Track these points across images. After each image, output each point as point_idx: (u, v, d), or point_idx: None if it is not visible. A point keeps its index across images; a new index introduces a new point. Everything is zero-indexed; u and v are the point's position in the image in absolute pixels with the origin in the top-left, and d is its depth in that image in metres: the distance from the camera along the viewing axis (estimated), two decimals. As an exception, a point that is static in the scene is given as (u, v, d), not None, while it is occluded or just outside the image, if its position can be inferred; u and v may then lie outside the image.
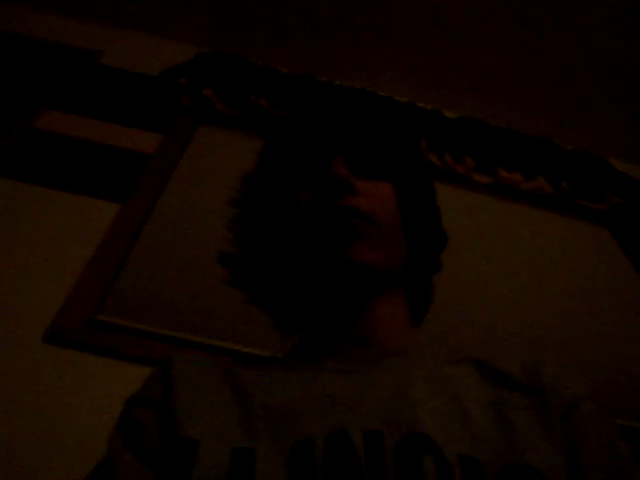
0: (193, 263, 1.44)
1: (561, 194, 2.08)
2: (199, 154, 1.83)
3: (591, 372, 1.48)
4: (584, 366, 1.50)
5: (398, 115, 0.84)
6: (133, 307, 1.31)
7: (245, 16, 2.22)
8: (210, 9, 2.22)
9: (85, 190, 1.55)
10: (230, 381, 0.58)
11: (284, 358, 0.67)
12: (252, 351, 1.27)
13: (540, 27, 2.14)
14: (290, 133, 0.73)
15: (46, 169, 1.59)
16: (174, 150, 1.79)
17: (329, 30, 2.23)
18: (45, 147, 1.66)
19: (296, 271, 0.67)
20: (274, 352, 0.72)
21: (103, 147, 1.71)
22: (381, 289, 0.64)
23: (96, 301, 1.29)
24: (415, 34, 2.20)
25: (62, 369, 1.16)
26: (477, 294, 1.63)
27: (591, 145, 2.29)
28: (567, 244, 1.97)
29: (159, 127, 1.86)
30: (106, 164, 1.66)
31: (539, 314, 1.64)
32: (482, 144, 2.08)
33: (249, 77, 2.00)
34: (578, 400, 0.54)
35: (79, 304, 1.27)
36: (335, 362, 0.59)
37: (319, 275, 0.62)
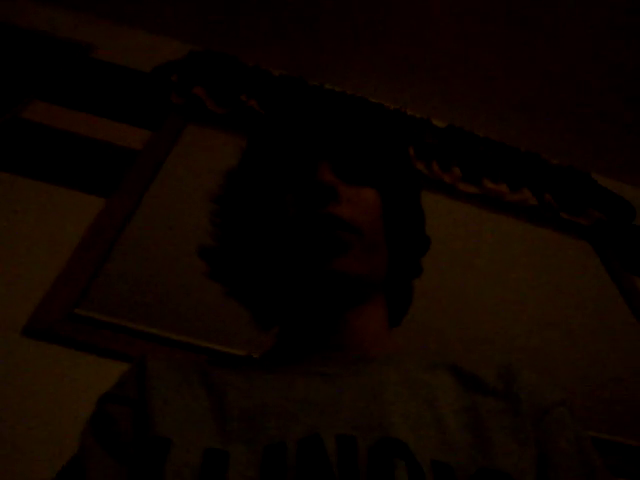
0: (176, 260, 1.43)
1: (545, 207, 2.10)
2: (187, 152, 1.82)
3: (568, 382, 1.50)
4: (561, 376, 1.52)
5: (386, 121, 0.83)
6: (114, 302, 1.31)
7: (239, 16, 2.22)
8: (204, 8, 2.22)
9: (70, 183, 1.54)
10: (205, 381, 0.58)
11: (261, 358, 0.67)
12: (232, 350, 1.26)
13: (530, 41, 2.16)
14: (276, 133, 0.72)
15: (31, 160, 1.57)
16: (162, 147, 1.78)
17: (321, 35, 2.24)
18: (31, 138, 1.64)
19: (277, 274, 0.66)
20: (252, 351, 0.72)
21: (90, 141, 1.70)
22: (363, 298, 0.64)
23: (77, 295, 1.28)
24: (407, 42, 2.22)
25: (41, 363, 1.15)
26: (457, 301, 1.64)
27: (576, 160, 2.31)
28: (549, 256, 1.99)
29: (148, 123, 1.85)
30: (93, 158, 1.65)
31: (518, 323, 1.65)
32: (469, 154, 2.10)
33: (240, 77, 2.00)
34: (551, 406, 0.55)
35: (60, 298, 1.26)
36: (312, 365, 0.60)
37: (302, 284, 0.62)
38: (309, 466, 0.46)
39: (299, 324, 0.66)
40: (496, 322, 1.62)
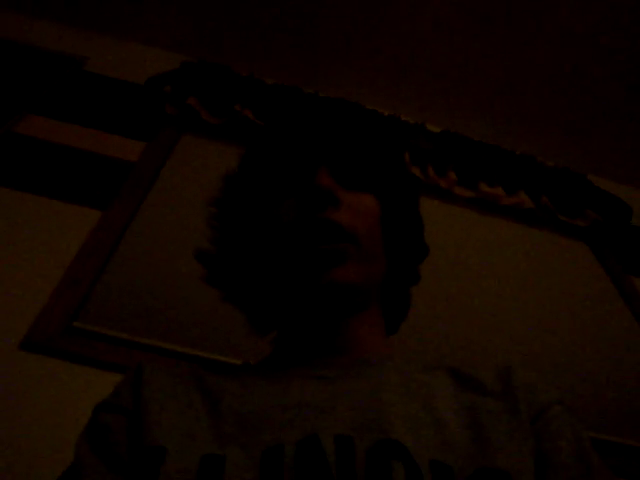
0: (174, 271, 1.43)
1: (542, 209, 2.11)
2: (182, 162, 1.82)
3: (568, 384, 1.50)
4: (561, 377, 1.51)
5: (384, 127, 0.84)
6: (112, 315, 1.30)
7: (231, 27, 2.23)
8: (196, 19, 2.23)
9: (66, 196, 1.54)
10: (201, 387, 0.58)
11: (257, 365, 0.67)
12: (230, 360, 1.26)
13: (524, 45, 2.17)
14: (276, 139, 0.72)
15: (26, 174, 1.57)
16: (157, 158, 1.78)
17: (315, 43, 2.24)
18: (26, 152, 1.64)
19: (275, 280, 0.66)
20: (248, 359, 0.72)
21: (85, 153, 1.70)
22: (360, 306, 0.64)
23: (74, 309, 1.28)
24: (400, 48, 2.23)
25: (40, 377, 1.14)
26: (455, 306, 1.64)
27: (571, 162, 2.32)
28: (547, 258, 1.99)
29: (143, 135, 1.85)
30: (88, 171, 1.65)
31: (517, 327, 1.65)
32: (465, 158, 2.10)
33: (234, 87, 2.00)
34: (548, 404, 0.55)
35: (58, 311, 1.26)
36: (308, 369, 0.60)
37: (300, 293, 0.62)
38: (307, 467, 0.46)
39: (297, 331, 0.66)
40: (495, 325, 1.62)
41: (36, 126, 1.73)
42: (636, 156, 2.45)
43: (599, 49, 2.16)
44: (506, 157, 2.18)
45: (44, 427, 1.06)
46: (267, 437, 0.50)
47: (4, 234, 1.39)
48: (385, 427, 0.50)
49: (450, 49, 2.21)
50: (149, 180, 1.69)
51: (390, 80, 2.30)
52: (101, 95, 1.98)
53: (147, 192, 1.65)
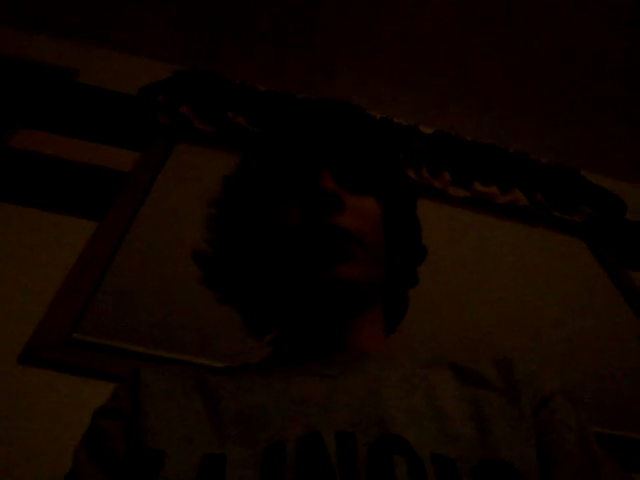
0: (171, 280, 1.43)
1: (536, 206, 2.11)
2: (176, 171, 1.82)
3: (565, 377, 1.50)
4: (561, 372, 1.51)
5: (384, 129, 0.84)
6: (111, 326, 1.30)
7: (222, 35, 2.23)
8: (186, 28, 2.23)
9: (61, 208, 1.54)
10: (200, 387, 0.58)
11: (256, 365, 0.67)
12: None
13: (515, 43, 2.18)
14: (278, 141, 0.72)
15: (21, 188, 1.57)
16: (151, 168, 1.78)
17: (304, 48, 2.25)
18: (20, 165, 1.64)
19: (277, 280, 0.66)
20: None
21: (79, 165, 1.70)
22: (362, 305, 0.64)
23: (73, 320, 1.28)
24: (391, 50, 2.24)
25: (39, 390, 1.13)
26: (453, 305, 1.64)
27: (564, 158, 2.32)
28: (544, 255, 1.99)
29: (136, 145, 1.85)
30: (83, 182, 1.65)
31: (515, 323, 1.65)
32: (458, 158, 2.11)
33: (226, 95, 2.00)
34: (550, 395, 0.55)
35: (56, 323, 1.25)
36: (308, 367, 0.60)
37: (303, 290, 0.62)
38: (309, 464, 0.46)
39: (298, 329, 0.66)
40: (492, 323, 1.62)
41: (29, 139, 1.73)
42: (628, 151, 2.46)
43: (592, 46, 2.17)
44: (499, 155, 2.18)
45: (43, 439, 1.05)
46: (268, 435, 0.50)
47: (1, 247, 1.39)
48: (386, 422, 0.50)
49: (441, 49, 2.22)
50: (144, 189, 1.69)
51: (382, 83, 2.30)
52: (94, 106, 1.98)
53: (142, 201, 1.65)
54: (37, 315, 1.26)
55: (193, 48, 2.27)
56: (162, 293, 1.40)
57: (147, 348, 1.27)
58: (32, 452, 1.04)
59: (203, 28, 2.23)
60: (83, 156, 1.74)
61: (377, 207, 0.67)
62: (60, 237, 1.46)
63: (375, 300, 0.67)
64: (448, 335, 1.53)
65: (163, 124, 1.94)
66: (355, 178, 0.66)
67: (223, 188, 0.78)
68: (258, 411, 0.53)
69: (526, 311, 1.71)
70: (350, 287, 0.59)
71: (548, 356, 1.57)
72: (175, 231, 1.57)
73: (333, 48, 2.25)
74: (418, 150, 2.07)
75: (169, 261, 1.48)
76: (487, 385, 0.57)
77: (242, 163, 0.78)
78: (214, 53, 2.27)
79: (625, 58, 2.19)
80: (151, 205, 1.66)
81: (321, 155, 0.66)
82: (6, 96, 1.87)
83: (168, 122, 1.94)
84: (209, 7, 2.17)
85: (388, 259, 0.68)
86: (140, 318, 1.33)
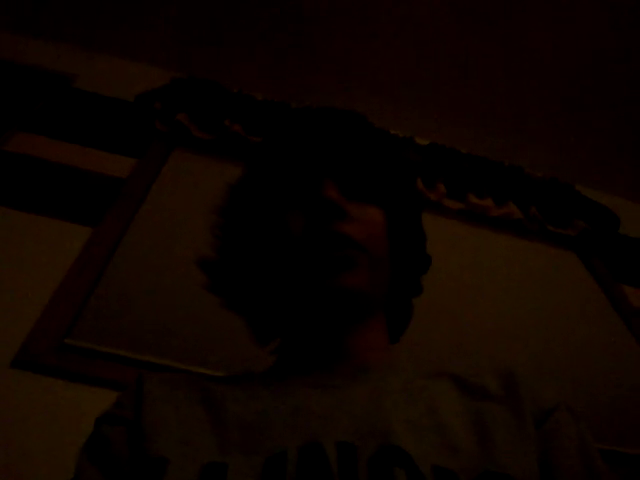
0: (165, 287, 1.43)
1: (531, 220, 2.12)
2: (172, 178, 1.82)
3: (558, 391, 1.50)
4: (554, 385, 1.51)
5: (389, 139, 0.83)
6: (104, 331, 1.29)
7: (220, 42, 2.24)
8: (185, 35, 2.24)
9: (56, 213, 1.54)
10: (203, 396, 0.58)
11: (260, 374, 0.67)
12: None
13: (512, 58, 2.20)
14: (281, 150, 0.72)
15: (17, 192, 1.57)
16: (147, 174, 1.79)
17: (302, 58, 2.26)
18: (16, 169, 1.64)
19: (281, 287, 0.66)
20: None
21: (76, 170, 1.70)
22: (366, 314, 0.64)
23: (66, 325, 1.27)
24: (388, 61, 2.25)
25: (32, 395, 1.13)
26: (447, 317, 1.63)
27: (559, 172, 2.34)
28: (537, 268, 2.00)
29: (133, 151, 1.85)
30: (79, 188, 1.65)
31: (507, 336, 1.65)
32: (453, 171, 2.12)
33: (223, 102, 2.01)
34: (553, 408, 0.55)
35: (49, 328, 1.25)
36: (311, 377, 0.60)
37: (307, 298, 0.62)
38: (310, 474, 0.46)
39: (302, 337, 0.65)
40: (484, 336, 1.62)
41: (26, 144, 1.72)
42: (623, 167, 2.48)
43: (588, 61, 2.19)
44: (494, 168, 2.19)
45: (36, 445, 1.05)
46: (269, 444, 0.50)
47: (-5, 251, 1.39)
48: (387, 433, 0.50)
49: (438, 62, 2.23)
50: (140, 196, 1.69)
51: (378, 94, 2.32)
52: (91, 112, 1.98)
53: (138, 208, 1.65)
54: (31, 320, 1.26)
55: (191, 55, 2.28)
56: (156, 299, 1.40)
57: (140, 354, 1.26)
58: (25, 456, 1.03)
59: (201, 35, 2.24)
60: (79, 161, 1.74)
61: (381, 215, 0.66)
62: (55, 242, 1.46)
63: (378, 309, 0.67)
64: (437, 345, 1.52)
65: (160, 131, 1.94)
66: (358, 187, 0.66)
67: (227, 196, 0.78)
68: (260, 420, 0.53)
69: (519, 324, 1.71)
70: (353, 295, 0.59)
71: (539, 368, 1.57)
72: (170, 237, 1.57)
73: (330, 59, 2.27)
74: (413, 161, 2.08)
75: (164, 267, 1.48)
76: (488, 396, 0.56)
77: (246, 171, 0.78)
78: (212, 61, 2.28)
79: (622, 74, 2.21)
80: (147, 211, 1.66)
81: (324, 164, 0.66)
82: (4, 100, 1.87)
83: (165, 129, 1.95)
84: (208, 15, 2.18)
85: (392, 268, 0.68)
86: (134, 324, 1.33)
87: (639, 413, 1.53)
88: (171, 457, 0.49)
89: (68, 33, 2.23)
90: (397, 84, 2.30)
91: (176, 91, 2.00)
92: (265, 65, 2.29)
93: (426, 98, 2.34)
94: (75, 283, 1.37)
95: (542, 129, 2.40)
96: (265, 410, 0.54)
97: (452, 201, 2.09)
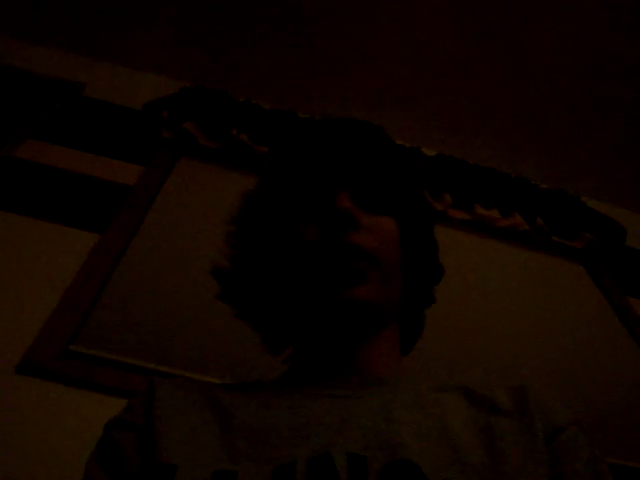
0: (171, 294, 1.43)
1: (537, 231, 2.12)
2: (179, 186, 1.83)
3: (565, 403, 1.49)
4: (558, 397, 1.51)
5: (401, 150, 0.83)
6: (109, 338, 1.29)
7: (228, 52, 2.25)
8: (193, 45, 2.26)
9: (64, 220, 1.54)
10: (213, 404, 0.58)
11: (271, 383, 0.67)
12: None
13: (519, 68, 2.20)
14: (295, 160, 0.72)
15: (25, 198, 1.58)
16: (154, 182, 1.79)
17: (308, 67, 2.27)
18: (25, 176, 1.65)
19: (293, 299, 0.66)
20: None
21: (84, 177, 1.71)
22: (378, 326, 0.64)
23: (72, 332, 1.27)
24: (395, 71, 2.26)
25: (36, 401, 1.13)
26: (452, 328, 1.62)
27: (565, 184, 2.33)
28: (543, 279, 1.99)
29: (140, 159, 1.86)
30: (86, 195, 1.66)
31: (512, 348, 1.64)
32: (460, 181, 2.12)
33: (231, 112, 2.02)
34: (564, 425, 0.55)
35: (54, 335, 1.25)
36: (322, 387, 0.60)
37: (319, 310, 0.62)
38: None
39: (313, 348, 0.65)
40: (491, 347, 1.62)
41: (35, 150, 1.74)
42: (629, 178, 2.47)
43: (595, 72, 2.19)
44: (501, 180, 2.19)
45: (40, 451, 1.05)
46: (279, 454, 0.50)
47: (2, 257, 1.39)
48: (398, 446, 0.49)
49: (444, 72, 2.24)
50: (146, 203, 1.70)
51: (385, 104, 2.32)
52: (99, 120, 2.00)
53: (144, 215, 1.66)
54: (36, 325, 1.26)
55: (199, 65, 2.30)
56: (161, 307, 1.40)
57: (145, 362, 1.26)
58: (29, 462, 1.03)
59: (209, 45, 2.25)
60: (87, 168, 1.75)
61: (394, 226, 0.66)
62: (62, 249, 1.46)
63: (391, 320, 0.67)
64: (441, 355, 1.51)
65: (167, 139, 1.95)
66: (372, 198, 0.66)
67: (242, 205, 0.78)
68: (270, 429, 0.53)
69: (524, 335, 1.70)
70: (366, 308, 0.59)
71: (545, 379, 1.56)
72: (176, 245, 1.58)
73: (336, 69, 2.28)
74: (423, 172, 2.08)
75: (169, 275, 1.48)
76: (500, 411, 0.56)
77: (261, 181, 0.78)
78: (219, 70, 2.29)
79: (631, 85, 2.21)
80: (153, 219, 1.66)
81: (338, 174, 0.66)
82: (14, 108, 1.89)
83: (172, 137, 1.96)
84: (216, 25, 2.20)
85: (405, 278, 0.68)
86: (138, 331, 1.33)
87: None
88: (180, 464, 0.49)
89: (78, 42, 2.25)
90: (404, 95, 2.31)
91: (183, 100, 2.01)
92: (271, 74, 2.30)
93: (432, 109, 2.34)
94: (81, 289, 1.37)
95: (548, 141, 2.40)
96: (275, 419, 0.54)
97: (458, 211, 2.09)
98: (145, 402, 0.59)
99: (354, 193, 0.65)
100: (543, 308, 1.84)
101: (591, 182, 2.45)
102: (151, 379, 0.62)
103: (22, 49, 2.17)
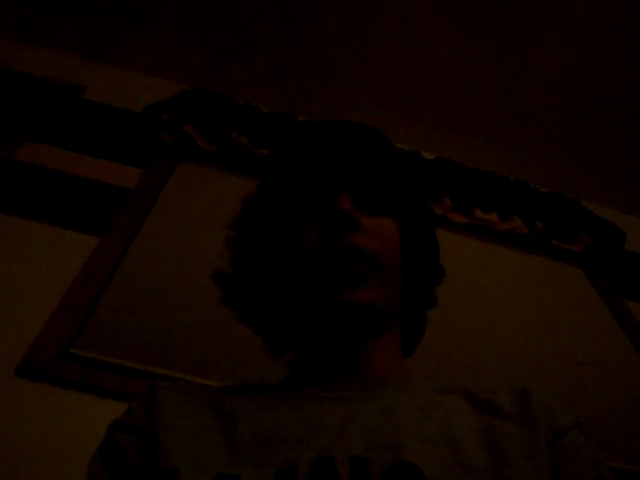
0: (171, 297, 1.43)
1: (536, 235, 2.12)
2: (179, 189, 1.83)
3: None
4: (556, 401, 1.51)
5: (401, 151, 0.83)
6: (108, 341, 1.29)
7: (228, 55, 2.26)
8: (193, 47, 2.26)
9: (64, 222, 1.54)
10: (216, 407, 0.58)
11: (273, 385, 0.67)
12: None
13: (518, 72, 2.20)
14: (295, 163, 0.72)
15: (25, 200, 1.58)
16: (154, 184, 1.79)
17: (309, 71, 2.28)
18: (25, 179, 1.65)
19: (295, 302, 0.66)
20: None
21: (83, 180, 1.71)
22: (379, 328, 0.64)
23: (71, 335, 1.27)
24: (394, 75, 2.26)
25: (35, 404, 1.13)
26: (450, 331, 1.62)
27: (564, 188, 2.34)
28: (542, 283, 2.00)
29: (140, 162, 1.87)
30: (86, 197, 1.66)
31: (511, 351, 1.65)
32: (459, 185, 2.12)
33: (230, 115, 2.02)
34: (567, 428, 0.55)
35: (54, 337, 1.25)
36: (324, 390, 0.60)
37: (319, 314, 0.62)
38: None
39: (315, 351, 0.65)
40: (489, 349, 1.62)
41: (35, 153, 1.74)
42: (628, 182, 2.48)
43: (593, 76, 2.19)
44: (500, 183, 2.20)
45: (40, 454, 1.05)
46: (281, 457, 0.50)
47: (2, 260, 1.39)
48: (400, 448, 0.49)
49: (444, 77, 2.24)
50: (146, 206, 1.70)
51: (384, 108, 2.32)
52: (99, 123, 2.00)
53: (144, 218, 1.66)
54: (36, 328, 1.26)
55: (199, 68, 2.30)
56: (161, 310, 1.40)
57: (145, 365, 1.26)
58: (28, 465, 1.03)
59: (209, 48, 2.26)
60: (87, 171, 1.75)
61: (395, 228, 0.66)
62: (61, 251, 1.46)
63: (393, 322, 0.67)
64: (440, 358, 1.51)
65: (167, 142, 1.96)
66: (372, 199, 0.66)
67: (242, 209, 0.78)
68: (272, 433, 0.53)
69: (523, 338, 1.71)
70: (368, 311, 0.59)
71: (543, 381, 1.56)
72: (176, 248, 1.58)
73: (336, 72, 2.28)
74: (422, 174, 2.09)
75: (169, 278, 1.48)
76: (503, 414, 0.56)
77: (261, 184, 0.78)
78: (219, 73, 2.29)
79: (628, 87, 2.21)
80: (153, 221, 1.66)
81: (338, 177, 0.66)
82: (14, 110, 1.89)
83: (172, 140, 1.96)
84: (216, 28, 2.20)
85: (406, 280, 0.68)
86: (138, 335, 1.33)
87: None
88: (182, 467, 0.49)
89: (78, 45, 2.25)
90: (404, 99, 2.31)
91: (184, 103, 2.01)
92: (270, 78, 2.31)
93: (432, 113, 2.34)
94: (81, 292, 1.37)
95: (548, 144, 2.40)
96: (278, 422, 0.54)
97: (458, 215, 2.09)
98: (146, 405, 0.59)
99: (354, 195, 0.65)
100: (541, 311, 1.85)
101: (591, 186, 2.45)
102: (152, 382, 0.62)
103: (22, 51, 2.17)
